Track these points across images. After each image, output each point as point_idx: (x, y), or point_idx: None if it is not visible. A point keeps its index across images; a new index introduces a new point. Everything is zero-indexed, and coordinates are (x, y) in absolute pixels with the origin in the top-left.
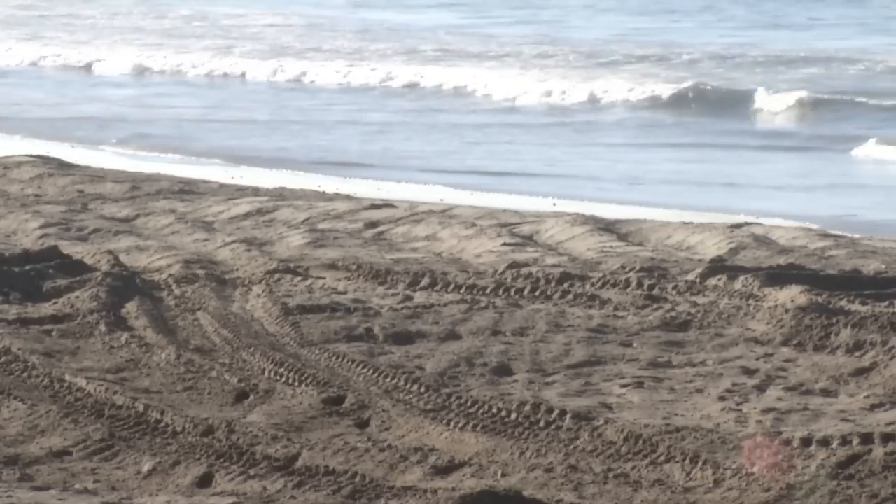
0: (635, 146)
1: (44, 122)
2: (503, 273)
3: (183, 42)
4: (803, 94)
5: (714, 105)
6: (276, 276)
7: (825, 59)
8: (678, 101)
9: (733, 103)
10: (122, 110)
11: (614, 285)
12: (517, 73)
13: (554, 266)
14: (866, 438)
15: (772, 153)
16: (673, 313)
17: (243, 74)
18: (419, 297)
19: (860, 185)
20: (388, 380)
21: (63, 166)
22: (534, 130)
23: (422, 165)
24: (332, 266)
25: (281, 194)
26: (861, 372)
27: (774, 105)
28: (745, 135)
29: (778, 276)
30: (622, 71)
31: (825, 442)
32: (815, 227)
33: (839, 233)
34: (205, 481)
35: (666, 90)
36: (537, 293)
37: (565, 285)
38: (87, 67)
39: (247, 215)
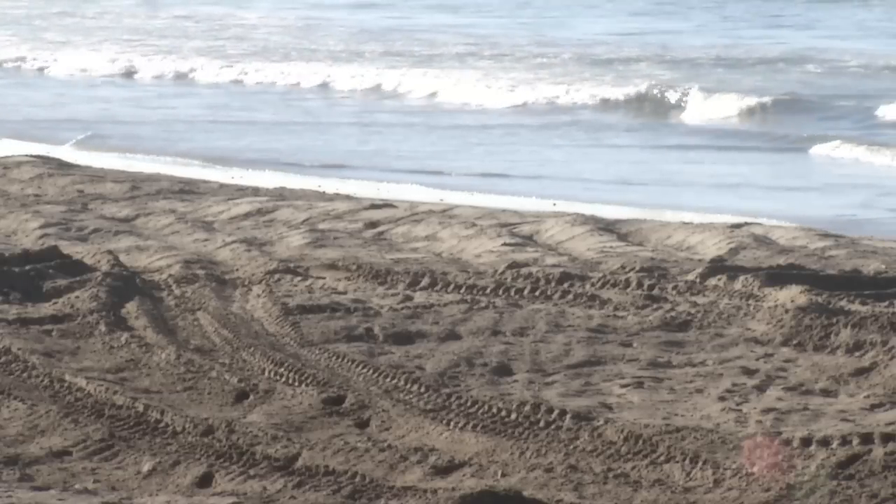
0: (587, 147)
1: (34, 122)
2: (503, 273)
3: (159, 43)
4: (766, 97)
5: (671, 107)
6: (276, 276)
7: (801, 60)
8: (631, 104)
9: (692, 105)
10: (87, 111)
11: (614, 285)
12: (500, 75)
13: (554, 266)
14: (866, 438)
15: (733, 154)
16: (673, 313)
17: (191, 71)
18: (419, 297)
19: (827, 184)
20: (388, 380)
21: (63, 166)
22: (504, 131)
23: (386, 165)
24: (332, 266)
25: (281, 194)
26: (861, 372)
27: (733, 106)
28: (708, 135)
29: (778, 276)
30: (602, 73)
31: (825, 442)
32: (788, 224)
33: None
34: (205, 481)
35: (618, 93)
36: (537, 293)
37: (565, 285)
38: (72, 68)
39: (247, 215)
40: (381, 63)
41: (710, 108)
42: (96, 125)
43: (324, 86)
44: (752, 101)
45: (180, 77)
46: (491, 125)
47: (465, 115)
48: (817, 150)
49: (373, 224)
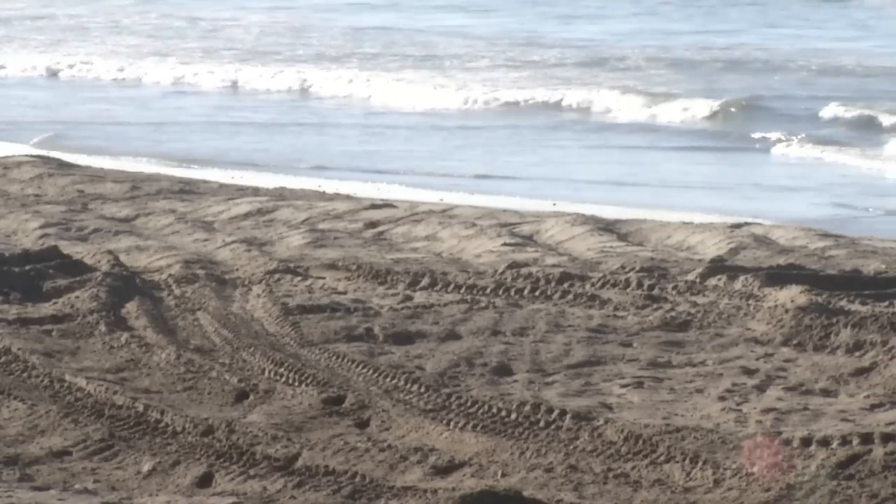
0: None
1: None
2: (503, 273)
3: (128, 44)
4: (725, 99)
5: (635, 108)
6: (276, 276)
7: (768, 61)
8: (598, 106)
9: (659, 105)
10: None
11: (614, 285)
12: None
13: (554, 266)
14: (866, 438)
15: (695, 154)
16: (673, 313)
17: (141, 71)
18: (419, 297)
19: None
20: (388, 380)
21: (63, 166)
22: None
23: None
24: (332, 266)
25: (281, 194)
26: (861, 372)
27: (694, 109)
28: (677, 137)
29: (778, 276)
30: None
31: (825, 442)
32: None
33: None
34: (205, 481)
35: (583, 94)
36: (537, 293)
37: (565, 285)
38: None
39: (247, 215)
40: (372, 64)
41: (670, 110)
42: (57, 125)
43: (303, 90)
44: (713, 103)
45: (136, 79)
46: (448, 127)
47: (417, 116)
48: (779, 149)
49: (373, 224)
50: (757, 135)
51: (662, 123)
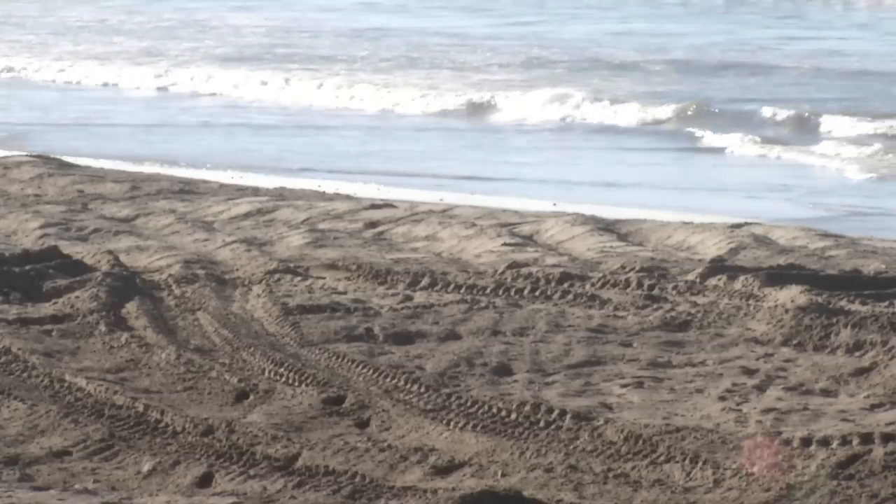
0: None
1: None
2: (503, 273)
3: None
4: (687, 103)
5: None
6: (276, 276)
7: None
8: (555, 106)
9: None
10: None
11: (614, 285)
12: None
13: (554, 266)
14: (866, 438)
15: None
16: (673, 313)
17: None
18: (419, 297)
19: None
20: (388, 380)
21: (63, 166)
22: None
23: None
24: (332, 266)
25: (281, 194)
26: (861, 372)
27: (649, 112)
28: (641, 138)
29: (778, 276)
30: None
31: (825, 442)
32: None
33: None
34: (205, 481)
35: (539, 97)
36: (537, 293)
37: (565, 285)
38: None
39: (247, 215)
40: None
41: (628, 112)
42: (8, 126)
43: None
44: (669, 106)
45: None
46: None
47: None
48: (734, 149)
49: (373, 224)
50: (713, 136)
51: (621, 125)
